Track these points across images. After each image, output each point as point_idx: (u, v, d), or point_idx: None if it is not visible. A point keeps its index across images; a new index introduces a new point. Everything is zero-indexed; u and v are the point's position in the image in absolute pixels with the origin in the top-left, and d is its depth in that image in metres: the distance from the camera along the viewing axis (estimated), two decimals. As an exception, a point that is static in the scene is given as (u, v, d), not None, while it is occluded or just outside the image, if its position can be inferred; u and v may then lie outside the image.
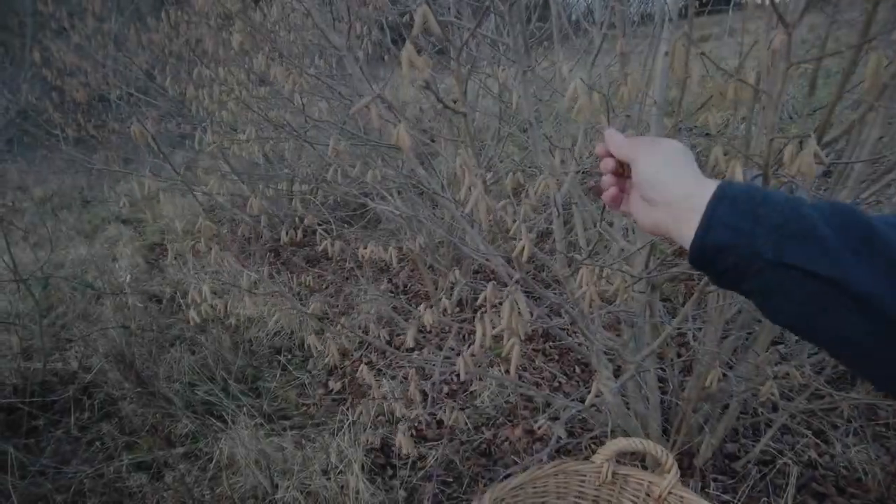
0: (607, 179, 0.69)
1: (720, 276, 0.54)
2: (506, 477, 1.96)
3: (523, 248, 0.77)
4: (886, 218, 0.48)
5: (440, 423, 2.27)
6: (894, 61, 0.67)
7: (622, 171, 0.68)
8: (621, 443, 1.02)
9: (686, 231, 0.56)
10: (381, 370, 2.61)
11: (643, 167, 0.62)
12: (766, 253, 0.48)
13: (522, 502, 1.05)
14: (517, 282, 0.69)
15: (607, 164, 0.69)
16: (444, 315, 1.22)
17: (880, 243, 0.46)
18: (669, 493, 0.98)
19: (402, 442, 1.14)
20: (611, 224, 1.73)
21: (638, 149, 0.64)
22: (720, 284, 0.56)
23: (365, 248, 1.12)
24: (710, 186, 0.55)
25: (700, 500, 0.94)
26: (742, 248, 0.50)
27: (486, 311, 0.73)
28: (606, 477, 1.04)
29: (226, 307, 1.14)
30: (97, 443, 2.31)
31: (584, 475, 1.07)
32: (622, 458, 1.63)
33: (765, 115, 1.51)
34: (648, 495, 1.02)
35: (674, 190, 0.59)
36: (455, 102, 2.80)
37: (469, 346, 0.95)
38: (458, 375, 2.53)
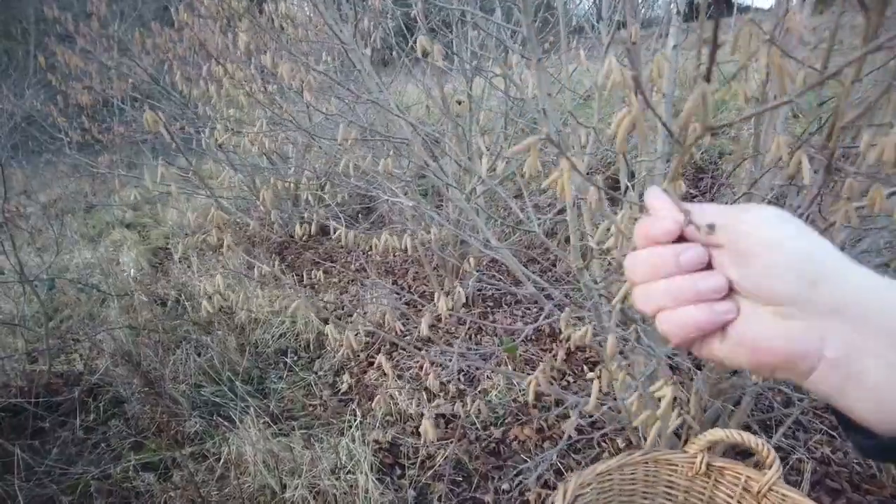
0: (686, 288, 0.37)
1: None
2: (516, 475, 1.95)
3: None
4: None
5: (448, 422, 2.26)
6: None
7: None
8: (717, 434, 0.96)
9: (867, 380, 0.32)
10: (387, 372, 2.59)
11: (758, 234, 0.35)
12: None
13: (609, 489, 1.01)
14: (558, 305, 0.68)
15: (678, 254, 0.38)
16: (466, 307, 1.21)
17: None
18: (770, 489, 0.92)
19: (427, 428, 1.13)
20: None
21: (730, 217, 0.37)
22: None
23: (378, 239, 1.11)
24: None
25: (806, 499, 0.87)
26: None
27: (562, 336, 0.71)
28: (700, 468, 0.99)
29: (237, 301, 1.14)
30: (103, 444, 2.30)
31: (676, 465, 1.02)
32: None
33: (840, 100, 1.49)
34: (746, 490, 0.94)
35: (825, 287, 0.33)
36: (460, 104, 2.79)
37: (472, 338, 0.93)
38: (464, 374, 2.52)
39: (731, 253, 0.36)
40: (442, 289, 3.05)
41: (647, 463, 1.02)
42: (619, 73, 0.67)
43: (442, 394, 2.39)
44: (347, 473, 1.92)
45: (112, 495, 1.98)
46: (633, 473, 1.02)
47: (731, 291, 0.37)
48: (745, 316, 0.36)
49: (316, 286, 3.23)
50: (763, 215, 0.36)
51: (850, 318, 0.32)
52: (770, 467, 0.91)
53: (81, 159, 4.74)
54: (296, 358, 2.85)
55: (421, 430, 1.12)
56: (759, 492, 0.92)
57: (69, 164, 5.62)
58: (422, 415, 2.25)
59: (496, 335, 2.77)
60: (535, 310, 2.95)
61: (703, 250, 0.37)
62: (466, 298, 2.96)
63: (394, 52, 2.64)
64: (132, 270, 3.70)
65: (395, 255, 3.78)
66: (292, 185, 3.70)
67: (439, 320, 2.59)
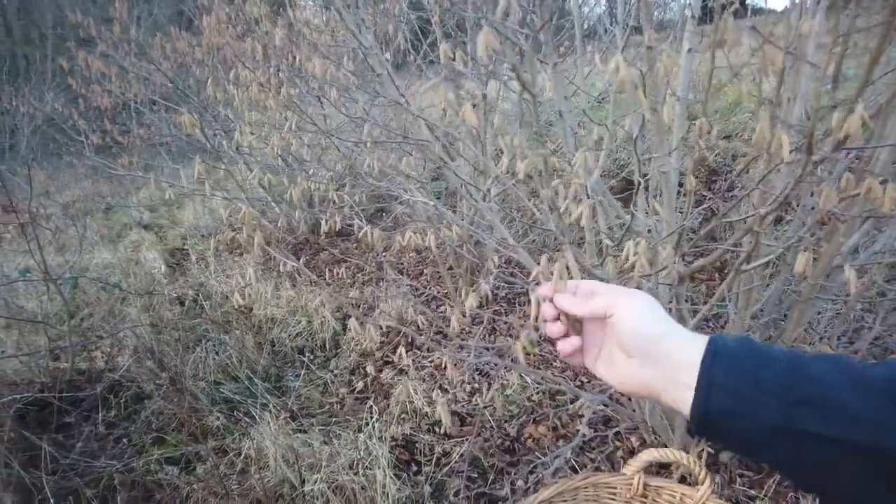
0: (556, 329, 0.64)
1: (726, 441, 0.50)
2: (531, 472, 1.98)
3: (580, 215, 0.78)
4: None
5: (463, 421, 2.29)
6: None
7: (574, 327, 0.64)
8: (652, 454, 1.00)
9: (682, 393, 0.51)
10: (403, 370, 2.63)
11: (626, 317, 0.57)
12: (776, 420, 0.44)
13: None
14: (568, 243, 0.71)
15: (549, 312, 0.64)
16: (480, 306, 1.24)
17: None
18: None
19: (442, 415, 1.16)
20: (632, 215, 1.75)
21: (616, 296, 0.59)
22: (729, 450, 0.54)
23: (402, 237, 1.15)
24: (699, 340, 0.52)
25: None
26: (746, 415, 0.46)
27: (538, 283, 0.74)
28: (638, 489, 1.02)
29: (263, 297, 1.18)
30: (125, 439, 2.35)
31: (615, 487, 1.05)
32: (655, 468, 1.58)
33: (797, 82, 1.52)
34: None
35: (662, 343, 0.54)
36: (475, 106, 2.83)
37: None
38: (479, 374, 2.55)
39: (613, 324, 0.59)
40: (457, 289, 3.08)
41: (586, 488, 1.04)
42: (625, 70, 0.70)
43: (458, 390, 2.43)
44: (365, 469, 1.96)
45: (135, 488, 2.03)
46: (573, 498, 1.05)
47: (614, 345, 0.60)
48: (608, 356, 0.61)
49: (332, 285, 3.27)
50: (633, 308, 0.58)
51: (662, 366, 0.54)
52: (703, 483, 0.95)
53: (100, 161, 4.82)
54: (312, 357, 2.89)
55: (437, 416, 1.15)
56: None
57: (88, 165, 5.72)
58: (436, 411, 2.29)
59: (510, 335, 2.80)
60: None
61: (551, 315, 0.65)
62: (481, 298, 2.99)
63: (410, 56, 2.69)
64: (162, 267, 3.78)
65: (408, 257, 3.82)
66: (311, 185, 3.76)
67: (462, 316, 2.63)
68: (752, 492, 1.76)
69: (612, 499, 1.05)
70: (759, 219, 0.90)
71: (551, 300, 0.64)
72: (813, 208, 1.51)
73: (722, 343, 0.50)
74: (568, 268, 0.61)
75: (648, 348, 0.55)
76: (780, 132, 0.70)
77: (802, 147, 0.72)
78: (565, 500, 1.04)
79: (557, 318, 0.64)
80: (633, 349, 0.57)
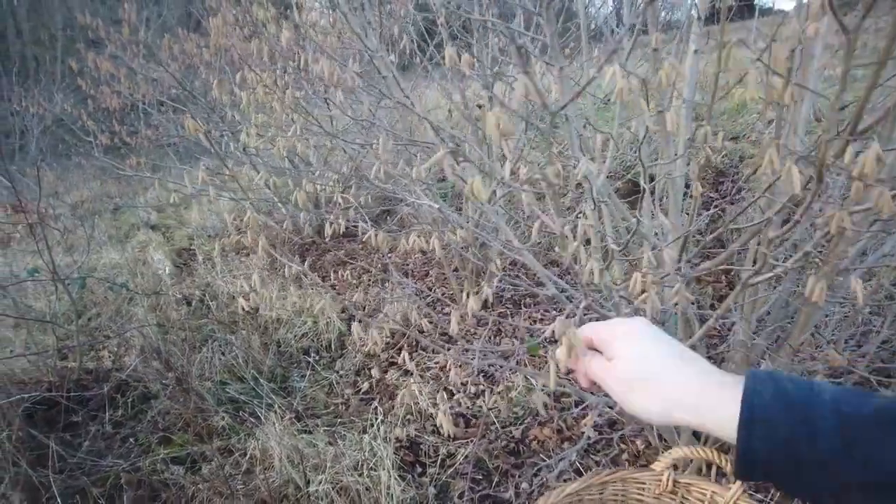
0: (584, 382, 0.68)
1: (777, 484, 0.50)
2: (535, 475, 1.98)
3: (591, 271, 0.79)
4: None
5: (468, 422, 2.29)
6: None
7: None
8: (683, 450, 0.99)
9: (719, 434, 0.51)
10: (409, 371, 2.63)
11: (612, 391, 0.61)
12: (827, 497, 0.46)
13: None
14: (585, 308, 0.72)
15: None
16: (484, 308, 1.24)
17: None
18: (735, 503, 0.95)
19: (443, 422, 1.16)
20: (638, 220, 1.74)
21: (602, 370, 0.62)
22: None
23: (406, 240, 1.15)
24: (723, 392, 0.51)
25: None
26: (794, 483, 0.47)
27: (555, 345, 0.74)
28: (667, 485, 1.02)
29: (268, 300, 1.18)
30: (131, 439, 2.37)
31: (644, 483, 1.04)
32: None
33: (796, 112, 1.52)
34: None
35: (677, 394, 0.55)
36: (480, 108, 2.82)
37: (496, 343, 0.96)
38: (484, 375, 2.55)
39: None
40: (462, 291, 3.08)
41: (615, 482, 1.03)
42: (622, 80, 0.70)
43: (462, 392, 2.43)
44: (370, 470, 1.96)
45: (141, 487, 2.04)
46: (601, 493, 1.04)
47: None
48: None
49: (337, 286, 3.28)
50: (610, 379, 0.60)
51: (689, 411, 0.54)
52: (735, 482, 0.94)
53: (108, 162, 4.86)
54: (318, 357, 2.90)
55: (437, 423, 1.15)
56: None
57: (97, 166, 5.77)
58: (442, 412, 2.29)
59: (515, 337, 2.80)
60: (553, 312, 2.97)
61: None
62: (486, 300, 2.98)
63: (416, 58, 2.69)
64: (167, 268, 3.80)
65: (414, 258, 3.83)
66: (317, 187, 3.77)
67: (463, 319, 2.63)
68: (760, 495, 1.75)
69: (641, 494, 1.04)
70: (766, 241, 0.90)
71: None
72: (821, 209, 1.50)
73: (755, 398, 0.48)
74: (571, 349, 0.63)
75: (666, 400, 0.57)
76: (790, 162, 0.70)
77: (812, 175, 0.71)
78: (592, 494, 1.03)
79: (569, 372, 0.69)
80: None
